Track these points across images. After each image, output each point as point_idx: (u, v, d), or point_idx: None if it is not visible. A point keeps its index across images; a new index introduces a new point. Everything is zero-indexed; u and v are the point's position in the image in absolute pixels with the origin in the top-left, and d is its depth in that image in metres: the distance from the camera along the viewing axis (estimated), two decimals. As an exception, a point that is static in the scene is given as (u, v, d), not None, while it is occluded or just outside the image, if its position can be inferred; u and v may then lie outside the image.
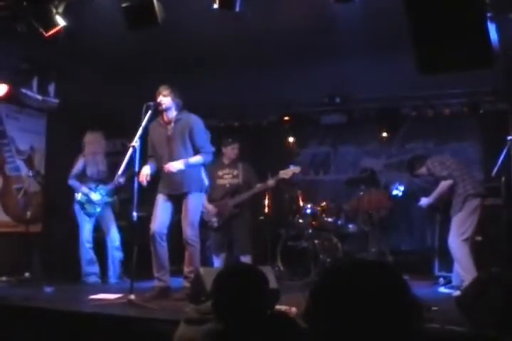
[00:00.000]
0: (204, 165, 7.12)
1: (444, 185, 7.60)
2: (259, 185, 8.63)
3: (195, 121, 7.11)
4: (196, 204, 7.10)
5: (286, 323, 2.99)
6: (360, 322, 1.71)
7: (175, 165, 6.82)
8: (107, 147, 9.23)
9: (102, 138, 9.06)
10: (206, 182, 7.17)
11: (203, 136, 7.10)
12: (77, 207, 8.80)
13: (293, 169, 8.65)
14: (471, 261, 7.30)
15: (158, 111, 6.96)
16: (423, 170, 7.87)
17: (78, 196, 8.78)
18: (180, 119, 7.06)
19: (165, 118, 7.06)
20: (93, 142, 8.97)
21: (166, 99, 6.95)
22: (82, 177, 8.86)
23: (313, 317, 1.82)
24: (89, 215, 8.80)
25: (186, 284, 6.84)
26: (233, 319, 2.92)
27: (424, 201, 7.96)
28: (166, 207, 7.09)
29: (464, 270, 7.28)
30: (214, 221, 8.65)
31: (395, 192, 8.58)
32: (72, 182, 8.82)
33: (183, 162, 6.86)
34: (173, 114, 7.07)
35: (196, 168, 7.05)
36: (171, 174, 6.94)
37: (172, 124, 7.05)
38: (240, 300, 2.94)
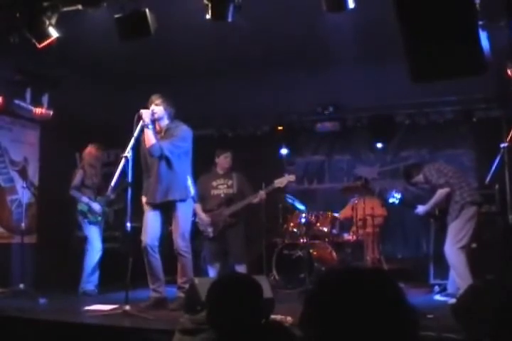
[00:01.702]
0: (150, 150, 6.84)
1: (441, 192, 7.58)
2: (255, 200, 8.62)
3: (181, 129, 7.03)
4: (185, 213, 7.07)
5: (281, 332, 2.98)
6: (356, 330, 1.70)
7: (144, 114, 6.73)
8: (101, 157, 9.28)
9: (100, 150, 9.11)
10: (192, 190, 7.13)
11: (174, 135, 6.96)
12: (80, 218, 8.84)
13: (287, 177, 8.68)
14: (467, 269, 7.27)
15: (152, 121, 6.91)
16: (420, 177, 7.85)
17: (80, 206, 8.83)
18: (170, 129, 7.03)
19: (157, 127, 7.02)
20: (91, 154, 9.03)
21: (158, 108, 6.90)
22: (81, 188, 8.89)
23: (309, 325, 1.81)
24: (92, 224, 8.83)
25: (180, 294, 6.82)
26: (228, 329, 2.90)
27: (420, 209, 7.94)
28: (154, 218, 7.05)
29: (460, 277, 7.26)
30: (210, 231, 8.64)
31: (391, 200, 8.56)
32: (74, 192, 8.87)
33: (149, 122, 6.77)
34: (165, 123, 7.04)
35: (182, 176, 7.01)
36: (155, 184, 6.96)
37: (162, 134, 7.01)
38: (234, 310, 2.92)
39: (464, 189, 7.54)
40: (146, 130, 6.76)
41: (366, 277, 1.82)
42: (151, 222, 7.02)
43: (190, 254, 7.04)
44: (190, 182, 7.11)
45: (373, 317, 1.70)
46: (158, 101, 6.91)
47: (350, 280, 1.80)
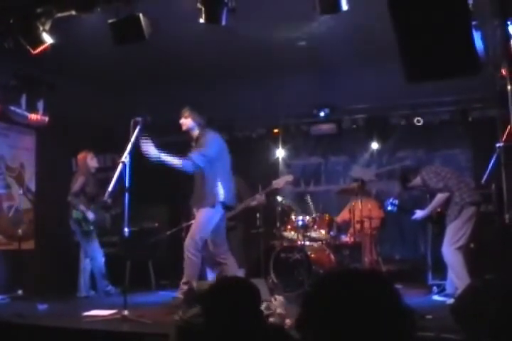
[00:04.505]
0: (184, 170, 7.20)
1: (440, 197, 7.56)
2: (253, 203, 8.66)
3: (206, 137, 7.34)
4: (206, 219, 7.24)
5: (279, 335, 2.98)
6: (353, 332, 1.70)
7: (150, 149, 6.89)
8: (98, 163, 9.24)
9: (92, 156, 9.07)
10: (222, 197, 7.22)
11: (202, 145, 7.24)
12: (74, 226, 8.82)
13: (285, 177, 8.72)
14: (465, 269, 7.28)
15: (146, 127, 6.94)
16: (417, 180, 7.80)
17: (75, 214, 8.79)
18: (199, 137, 7.37)
19: (193, 137, 7.44)
20: (83, 161, 9.01)
21: (186, 121, 7.36)
22: (80, 195, 8.87)
23: (306, 327, 1.81)
24: (84, 232, 8.81)
25: (179, 295, 6.83)
26: (226, 332, 2.90)
27: (419, 214, 7.93)
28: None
29: (457, 277, 7.26)
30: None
31: (389, 208, 8.56)
32: (72, 199, 8.85)
33: (158, 154, 6.93)
34: (196, 132, 7.41)
35: (211, 183, 7.22)
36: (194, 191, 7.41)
37: (194, 143, 7.39)
38: (232, 313, 2.92)
39: (462, 190, 7.53)
40: (162, 158, 6.97)
41: (362, 279, 1.82)
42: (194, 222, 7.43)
43: (196, 257, 7.12)
44: (220, 187, 7.24)
45: (370, 319, 1.70)
46: (186, 114, 7.40)
47: (346, 283, 1.80)
